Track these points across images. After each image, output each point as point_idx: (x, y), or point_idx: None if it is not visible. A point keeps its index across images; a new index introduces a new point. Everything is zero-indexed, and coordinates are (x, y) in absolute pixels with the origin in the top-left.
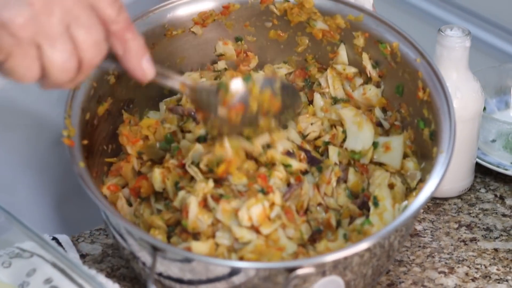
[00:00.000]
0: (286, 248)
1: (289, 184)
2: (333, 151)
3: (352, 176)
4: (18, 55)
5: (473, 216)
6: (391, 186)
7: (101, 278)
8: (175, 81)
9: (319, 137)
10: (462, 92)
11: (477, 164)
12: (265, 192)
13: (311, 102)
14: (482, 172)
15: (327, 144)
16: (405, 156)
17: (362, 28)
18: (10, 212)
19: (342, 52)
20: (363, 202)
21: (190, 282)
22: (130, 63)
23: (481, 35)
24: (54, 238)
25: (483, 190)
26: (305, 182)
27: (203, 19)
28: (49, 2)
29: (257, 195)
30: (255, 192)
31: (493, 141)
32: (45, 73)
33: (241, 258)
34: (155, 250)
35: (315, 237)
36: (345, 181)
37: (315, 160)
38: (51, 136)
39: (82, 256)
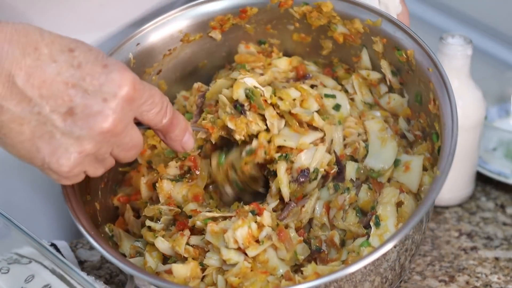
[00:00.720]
0: (276, 270)
1: (287, 203)
2: (351, 168)
3: (363, 194)
4: (63, 181)
5: (474, 225)
6: (399, 204)
7: (100, 284)
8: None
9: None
10: (464, 100)
11: (478, 173)
12: (255, 213)
13: None
14: (482, 180)
15: (348, 158)
16: (423, 169)
17: (380, 33)
18: (9, 217)
19: (365, 57)
20: (369, 221)
21: None
22: (170, 145)
23: (481, 44)
24: (53, 244)
25: (483, 199)
26: (310, 200)
27: (221, 24)
28: (99, 143)
29: (246, 216)
30: (246, 213)
31: (494, 149)
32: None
33: (226, 281)
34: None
35: (315, 256)
36: (356, 200)
37: (340, 176)
38: None
39: (81, 263)
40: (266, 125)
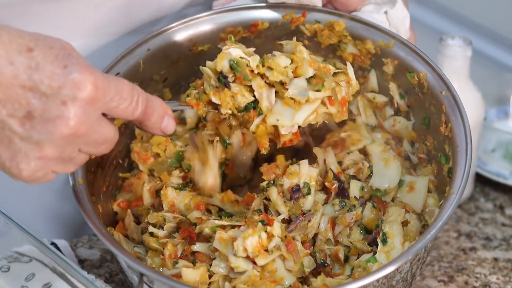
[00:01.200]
0: (283, 280)
1: (297, 216)
2: (355, 186)
3: (368, 212)
4: (30, 183)
5: (473, 226)
6: (405, 224)
7: (100, 283)
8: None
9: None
10: (463, 101)
11: (477, 174)
12: (265, 223)
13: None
14: (482, 181)
15: (351, 178)
16: (428, 191)
17: (392, 55)
18: (10, 216)
19: (373, 78)
20: (374, 238)
21: None
22: (149, 130)
23: (481, 47)
24: (53, 243)
25: (482, 200)
26: (316, 215)
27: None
28: (61, 146)
29: (256, 225)
30: (255, 222)
31: (493, 150)
32: None
33: None
34: (141, 274)
35: (319, 270)
36: (361, 217)
37: (344, 193)
38: None
39: (81, 262)
40: (255, 96)
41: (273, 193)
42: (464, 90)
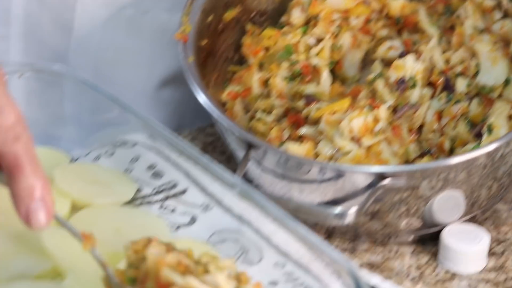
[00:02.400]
0: (388, 162)
1: (403, 106)
2: (461, 82)
3: (474, 107)
4: None
5: None
6: (510, 117)
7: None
8: None
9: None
10: None
11: None
12: (372, 108)
13: (450, 28)
14: None
15: (457, 75)
16: None
17: None
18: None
19: None
20: (480, 131)
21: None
22: (13, 202)
23: None
24: None
25: None
26: (422, 107)
27: None
28: None
29: (363, 109)
30: (361, 107)
31: None
32: None
33: None
34: (249, 147)
35: (424, 156)
36: (467, 111)
37: (450, 88)
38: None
39: None
40: None
41: (380, 84)
42: None
